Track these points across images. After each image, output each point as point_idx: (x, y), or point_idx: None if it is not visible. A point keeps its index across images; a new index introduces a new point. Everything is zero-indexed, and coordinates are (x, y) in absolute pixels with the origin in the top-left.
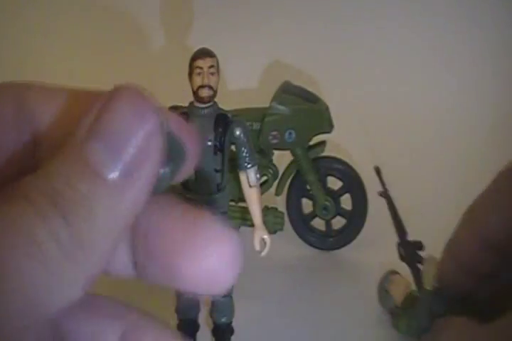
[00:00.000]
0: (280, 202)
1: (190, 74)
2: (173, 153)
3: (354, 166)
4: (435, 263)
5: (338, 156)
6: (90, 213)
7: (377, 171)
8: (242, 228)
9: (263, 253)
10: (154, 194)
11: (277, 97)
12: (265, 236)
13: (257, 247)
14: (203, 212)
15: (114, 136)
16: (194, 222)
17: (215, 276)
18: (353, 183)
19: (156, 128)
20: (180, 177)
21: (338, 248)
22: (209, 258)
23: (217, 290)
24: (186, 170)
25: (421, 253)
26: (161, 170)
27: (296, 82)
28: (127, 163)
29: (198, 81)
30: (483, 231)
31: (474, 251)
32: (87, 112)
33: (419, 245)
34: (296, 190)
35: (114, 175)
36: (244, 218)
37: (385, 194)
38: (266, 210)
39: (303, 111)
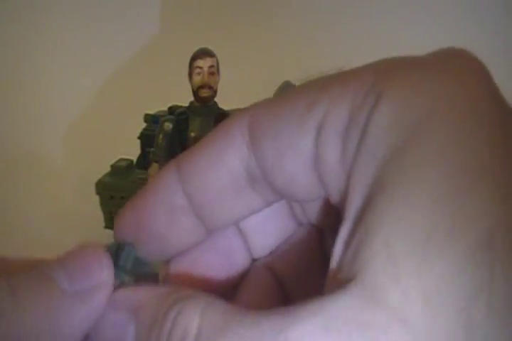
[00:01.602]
0: None
1: (190, 74)
2: (138, 269)
3: None
4: None
5: None
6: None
7: None
8: None
9: None
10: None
11: None
12: None
13: None
14: None
15: (75, 269)
16: None
17: None
18: None
19: (106, 271)
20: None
21: None
22: None
23: None
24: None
25: None
26: (126, 278)
27: (296, 82)
28: (82, 287)
29: (198, 81)
30: None
31: None
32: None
33: None
34: None
35: (70, 290)
36: None
37: None
38: None
39: None
